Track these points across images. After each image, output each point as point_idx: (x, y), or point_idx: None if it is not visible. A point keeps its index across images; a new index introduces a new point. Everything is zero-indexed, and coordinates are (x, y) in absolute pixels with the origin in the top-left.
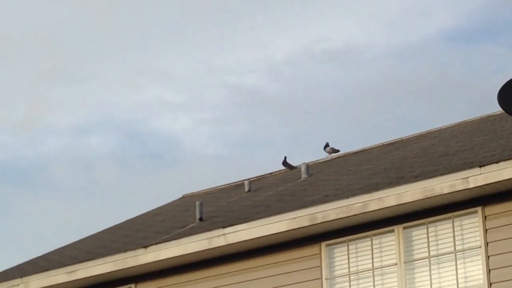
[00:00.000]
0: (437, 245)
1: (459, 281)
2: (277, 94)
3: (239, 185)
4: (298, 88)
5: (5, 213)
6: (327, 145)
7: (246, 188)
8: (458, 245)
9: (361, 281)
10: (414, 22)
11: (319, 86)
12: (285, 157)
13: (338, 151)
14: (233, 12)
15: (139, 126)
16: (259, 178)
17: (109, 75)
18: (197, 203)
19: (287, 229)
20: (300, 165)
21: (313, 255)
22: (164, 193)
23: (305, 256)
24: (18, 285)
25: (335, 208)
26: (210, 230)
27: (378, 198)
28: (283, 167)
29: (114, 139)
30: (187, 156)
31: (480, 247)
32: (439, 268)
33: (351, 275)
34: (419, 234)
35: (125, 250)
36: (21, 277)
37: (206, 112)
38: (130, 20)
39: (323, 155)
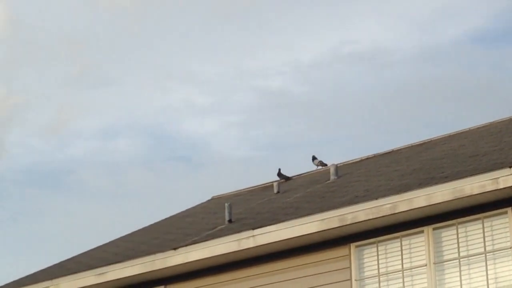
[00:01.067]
0: (467, 246)
1: (489, 282)
2: (305, 96)
3: (268, 187)
4: (326, 90)
5: (35, 216)
6: (314, 158)
7: (275, 190)
8: (488, 246)
9: (390, 282)
10: (442, 23)
11: (347, 88)
12: (279, 169)
13: (325, 164)
14: (260, 15)
15: (167, 129)
16: (288, 180)
17: (138, 79)
18: (226, 204)
19: (316, 231)
20: (329, 166)
21: (342, 256)
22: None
23: (334, 258)
24: (48, 287)
25: (365, 209)
26: (239, 231)
27: (408, 199)
28: (312, 169)
29: (142, 142)
30: (215, 159)
31: (510, 247)
32: (469, 269)
33: (380, 276)
34: (449, 235)
35: (154, 252)
36: (51, 279)
37: (234, 115)
38: (158, 24)
39: (352, 156)
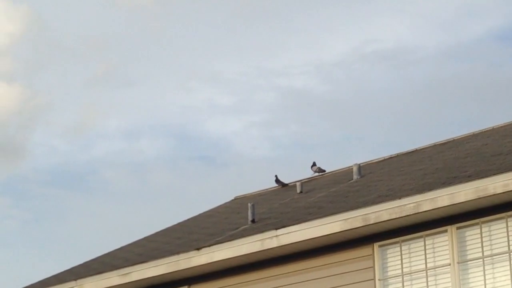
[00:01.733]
0: (491, 245)
1: None
2: (327, 95)
3: (291, 187)
4: (349, 89)
5: (59, 216)
6: (314, 164)
7: (298, 190)
8: None
9: (414, 281)
10: (464, 21)
11: (370, 87)
12: (276, 176)
13: (324, 171)
14: (283, 14)
15: (190, 129)
16: (311, 179)
17: (160, 79)
18: (249, 204)
19: (339, 230)
20: (352, 165)
21: (366, 256)
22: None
23: (358, 257)
24: (72, 287)
25: (388, 208)
26: (262, 231)
27: (431, 199)
28: (335, 169)
29: (166, 142)
30: (237, 159)
31: None
32: (493, 268)
33: (404, 275)
34: (473, 234)
35: (178, 252)
36: (75, 279)
37: (257, 115)
38: (181, 24)
39: (375, 156)
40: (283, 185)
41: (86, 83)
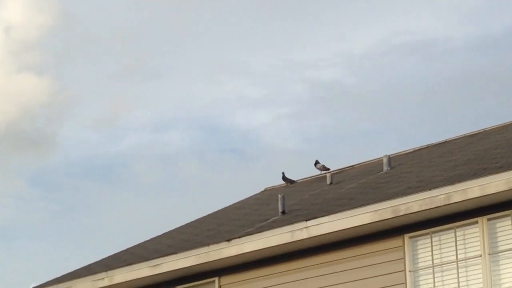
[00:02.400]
0: None
1: None
2: (356, 87)
3: (321, 178)
4: (377, 81)
5: (88, 208)
6: (317, 162)
7: (328, 181)
8: None
9: (445, 273)
10: (493, 13)
11: (399, 79)
12: (283, 173)
13: (328, 169)
14: (312, 6)
15: (219, 121)
16: (341, 171)
17: (189, 71)
18: (279, 196)
19: (370, 222)
20: (383, 157)
21: (396, 247)
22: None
23: (388, 249)
24: (103, 278)
25: (418, 200)
26: (292, 223)
27: (462, 190)
28: (365, 160)
29: (195, 134)
30: (266, 151)
31: None
32: None
33: (434, 267)
34: (504, 225)
35: (208, 244)
36: (106, 271)
37: (286, 107)
38: (210, 16)
39: (405, 147)
40: (291, 182)
41: (115, 75)
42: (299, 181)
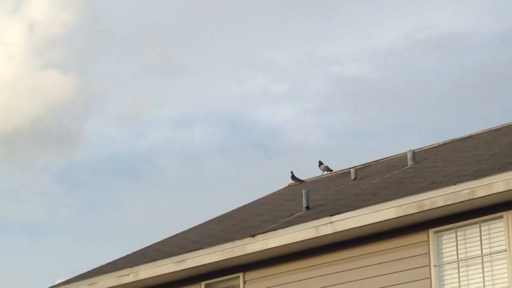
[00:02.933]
0: None
1: None
2: (380, 82)
3: (345, 173)
4: (401, 76)
5: (113, 205)
6: (321, 163)
7: (352, 176)
8: None
9: (470, 268)
10: None
11: (422, 73)
12: (292, 172)
13: (331, 170)
14: (336, 2)
15: (243, 117)
16: (365, 166)
17: (213, 67)
18: (304, 191)
19: (394, 217)
20: (407, 152)
21: (421, 242)
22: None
23: (413, 244)
24: (128, 274)
25: (443, 194)
26: (317, 218)
27: (486, 184)
28: (389, 155)
29: (219, 130)
30: (291, 146)
31: None
32: None
33: (459, 262)
34: None
35: (233, 239)
36: (131, 267)
37: (310, 102)
38: (234, 12)
39: (429, 142)
40: (300, 181)
41: (140, 72)
42: (324, 175)
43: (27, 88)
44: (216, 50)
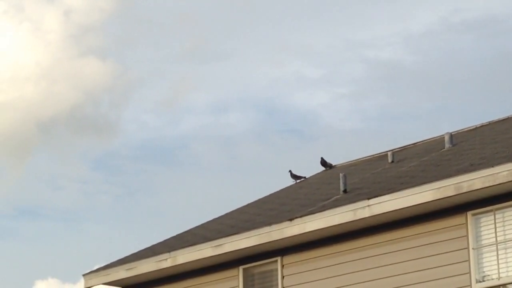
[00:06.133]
0: None
1: None
2: (415, 66)
3: (382, 157)
4: (437, 60)
5: (150, 191)
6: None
7: (390, 159)
8: None
9: (508, 250)
10: None
11: (458, 57)
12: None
13: (331, 166)
14: None
15: (278, 102)
16: (402, 149)
17: (249, 52)
18: (341, 175)
19: (432, 199)
20: (444, 134)
21: (459, 225)
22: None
23: (451, 226)
24: (166, 259)
25: (481, 177)
26: (354, 201)
27: None
28: (426, 138)
29: (254, 115)
30: (326, 131)
31: None
32: None
33: (498, 244)
34: None
35: (270, 224)
36: (169, 251)
37: (345, 87)
38: None
39: (467, 124)
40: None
41: (176, 58)
42: (361, 159)
43: (64, 75)
44: (252, 35)
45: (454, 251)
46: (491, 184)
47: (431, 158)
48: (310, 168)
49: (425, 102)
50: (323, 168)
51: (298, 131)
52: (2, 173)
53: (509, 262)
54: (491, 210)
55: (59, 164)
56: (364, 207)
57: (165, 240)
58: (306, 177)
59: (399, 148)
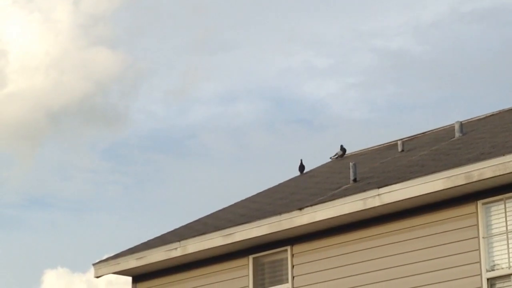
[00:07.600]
0: None
1: None
2: (425, 56)
3: (392, 146)
4: (446, 50)
5: (160, 180)
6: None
7: (400, 148)
8: None
9: None
10: None
11: (467, 46)
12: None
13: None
14: None
15: (287, 92)
16: (412, 138)
17: (258, 42)
18: (351, 164)
19: (442, 188)
20: (454, 123)
21: (469, 214)
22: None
23: (461, 215)
24: (176, 248)
25: (491, 166)
26: (364, 190)
27: None
28: (436, 127)
29: (263, 105)
30: (335, 121)
31: None
32: None
33: (509, 233)
34: None
35: (280, 213)
36: (179, 241)
37: (354, 77)
38: None
39: (476, 114)
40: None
41: (186, 48)
42: (370, 148)
43: (74, 65)
44: (261, 25)
45: (464, 240)
46: (501, 173)
47: (441, 147)
48: (320, 157)
49: (435, 91)
50: (331, 158)
51: (307, 121)
52: (12, 163)
53: None
54: (501, 199)
55: (68, 153)
56: (374, 196)
57: (175, 229)
58: (305, 172)
59: (409, 137)
